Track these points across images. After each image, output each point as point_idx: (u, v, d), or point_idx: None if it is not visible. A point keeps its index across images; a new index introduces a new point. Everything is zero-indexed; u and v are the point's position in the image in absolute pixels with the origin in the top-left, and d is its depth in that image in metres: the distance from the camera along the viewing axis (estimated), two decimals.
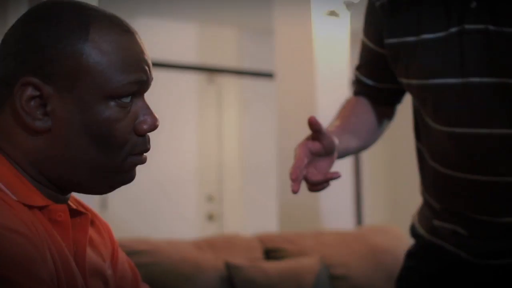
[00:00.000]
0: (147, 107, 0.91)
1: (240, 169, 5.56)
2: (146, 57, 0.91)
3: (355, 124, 1.44)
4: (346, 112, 1.47)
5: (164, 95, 5.10)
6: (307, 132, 1.26)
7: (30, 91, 0.83)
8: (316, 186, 1.23)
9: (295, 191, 1.16)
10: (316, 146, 1.22)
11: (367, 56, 1.48)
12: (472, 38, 1.24)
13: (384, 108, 1.52)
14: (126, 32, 0.89)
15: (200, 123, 5.52)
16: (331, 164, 1.25)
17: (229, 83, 5.67)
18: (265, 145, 5.30)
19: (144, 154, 0.92)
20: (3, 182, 0.83)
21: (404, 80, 1.37)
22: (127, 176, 0.91)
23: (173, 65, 5.35)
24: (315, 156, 1.22)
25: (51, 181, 0.87)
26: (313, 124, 1.19)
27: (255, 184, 5.46)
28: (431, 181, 1.43)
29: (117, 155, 0.88)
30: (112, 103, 0.86)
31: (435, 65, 1.29)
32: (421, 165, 1.48)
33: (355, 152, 1.48)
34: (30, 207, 0.83)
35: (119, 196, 4.84)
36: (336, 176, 1.21)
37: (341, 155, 1.33)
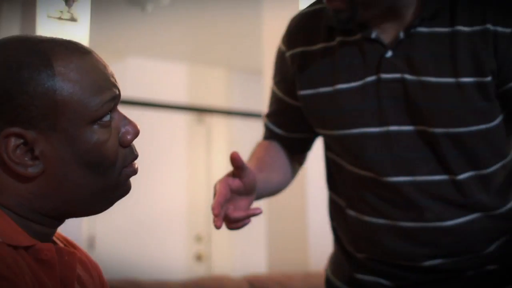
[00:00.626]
0: (125, 117, 0.92)
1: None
2: (110, 72, 0.91)
3: (270, 165, 1.40)
4: (259, 154, 1.43)
5: (153, 134, 5.11)
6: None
7: (13, 141, 0.83)
8: (236, 223, 1.19)
9: (218, 227, 1.12)
10: (236, 183, 1.18)
11: (277, 105, 1.45)
12: (389, 87, 1.23)
13: (294, 155, 1.49)
14: (86, 54, 0.89)
15: (189, 163, 5.51)
16: (250, 203, 1.22)
17: (218, 123, 5.69)
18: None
19: (135, 163, 0.93)
20: None
21: (322, 131, 1.35)
22: (124, 189, 0.92)
23: (162, 104, 5.37)
24: (234, 193, 1.19)
25: (46, 215, 0.87)
26: (235, 160, 1.16)
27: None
28: (349, 230, 1.39)
29: (111, 173, 0.89)
30: (96, 127, 0.86)
31: (354, 115, 1.27)
32: (336, 216, 1.45)
33: (270, 195, 1.42)
34: (15, 247, 0.82)
35: (107, 236, 4.81)
36: (258, 212, 1.18)
37: (258, 197, 1.29)
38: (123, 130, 0.91)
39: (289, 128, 1.45)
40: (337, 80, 1.28)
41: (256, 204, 1.28)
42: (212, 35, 4.90)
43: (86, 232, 4.49)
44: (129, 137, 0.91)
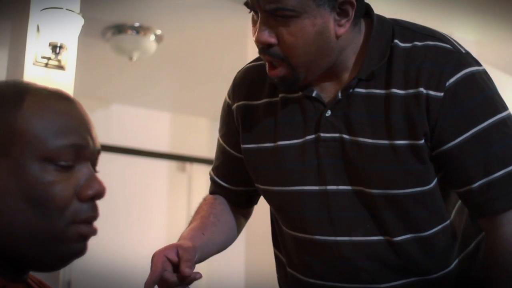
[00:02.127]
0: (92, 174, 0.87)
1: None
2: (86, 124, 0.88)
3: (214, 225, 1.37)
4: (204, 213, 1.41)
5: (135, 181, 5.11)
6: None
7: None
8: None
9: None
10: (174, 257, 1.15)
11: (223, 158, 1.45)
12: (327, 146, 1.23)
13: (240, 209, 1.48)
14: (64, 100, 0.88)
15: (170, 210, 5.50)
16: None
17: (200, 172, 5.70)
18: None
19: (94, 224, 0.87)
20: None
21: (261, 186, 1.35)
22: (74, 247, 0.85)
23: (145, 151, 5.39)
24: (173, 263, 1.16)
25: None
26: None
27: (223, 269, 5.41)
28: (289, 287, 1.38)
29: (56, 220, 0.83)
30: (50, 166, 0.83)
31: (294, 172, 1.27)
32: (279, 270, 1.44)
33: (212, 255, 1.39)
34: None
35: (83, 281, 4.76)
36: (198, 277, 1.14)
37: (200, 260, 1.27)
38: (84, 183, 0.85)
39: (235, 181, 1.44)
40: (279, 136, 1.28)
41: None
42: (196, 86, 4.96)
43: (62, 276, 4.45)
44: (89, 192, 0.85)
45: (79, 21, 3.08)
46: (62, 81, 3.10)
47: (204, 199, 1.47)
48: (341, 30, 1.17)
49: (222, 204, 1.44)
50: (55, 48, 3.04)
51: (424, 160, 1.19)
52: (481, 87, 1.19)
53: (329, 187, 1.24)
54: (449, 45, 1.21)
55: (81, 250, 0.87)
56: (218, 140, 1.46)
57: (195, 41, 4.19)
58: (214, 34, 3.98)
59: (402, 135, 1.18)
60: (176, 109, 5.63)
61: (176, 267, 1.15)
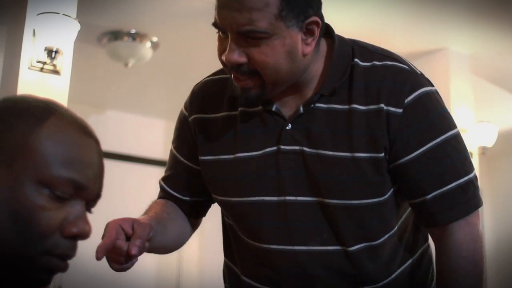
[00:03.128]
0: (83, 213, 0.85)
1: (198, 268, 5.51)
2: (96, 167, 0.87)
3: (167, 220, 1.37)
4: (157, 209, 1.40)
5: (129, 188, 5.11)
6: None
7: None
8: (125, 261, 1.15)
9: (99, 258, 1.09)
10: (129, 229, 1.16)
11: (176, 169, 1.45)
12: (288, 158, 1.26)
13: (189, 219, 1.47)
14: (84, 134, 0.86)
15: None
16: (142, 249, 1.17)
17: None
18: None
19: (66, 261, 0.84)
20: None
21: (220, 198, 1.35)
22: (39, 277, 0.83)
23: (139, 158, 5.39)
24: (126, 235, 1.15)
25: None
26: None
27: (213, 272, 5.40)
28: None
29: (33, 246, 0.81)
30: (44, 190, 0.81)
31: (253, 183, 1.29)
32: (230, 280, 1.45)
33: (165, 248, 1.40)
34: None
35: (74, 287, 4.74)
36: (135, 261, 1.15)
37: (151, 250, 1.27)
38: (72, 219, 0.83)
39: (187, 192, 1.44)
40: (238, 148, 1.30)
41: None
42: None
43: (52, 282, 4.43)
44: (74, 229, 0.83)
45: (76, 27, 3.09)
46: (57, 86, 3.10)
47: (154, 201, 1.46)
48: (308, 49, 1.21)
49: (173, 207, 1.44)
50: (51, 53, 3.04)
51: (383, 172, 1.25)
52: (436, 106, 1.27)
53: (287, 198, 1.27)
54: (406, 65, 1.28)
55: (45, 282, 0.84)
56: (171, 150, 1.47)
57: (191, 48, 4.20)
58: (210, 42, 3.98)
59: (363, 148, 1.23)
60: (170, 116, 5.61)
61: (129, 239, 1.15)
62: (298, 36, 1.19)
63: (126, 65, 4.18)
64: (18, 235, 0.80)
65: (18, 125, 0.82)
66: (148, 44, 4.09)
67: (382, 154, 1.23)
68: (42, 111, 0.84)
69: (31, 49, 3.07)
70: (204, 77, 1.46)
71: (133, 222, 1.18)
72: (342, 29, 1.38)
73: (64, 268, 0.85)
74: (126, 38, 4.02)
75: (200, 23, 3.83)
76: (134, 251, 1.12)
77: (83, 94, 4.71)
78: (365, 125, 1.23)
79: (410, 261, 1.37)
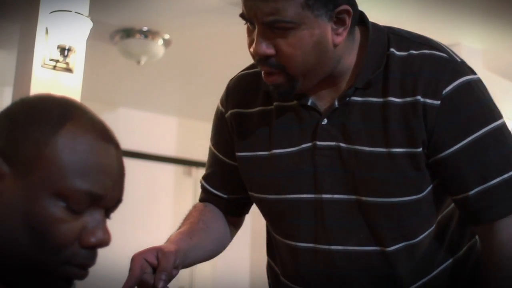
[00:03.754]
0: (102, 222, 0.84)
1: (211, 261, 5.52)
2: (115, 172, 0.85)
3: (203, 231, 1.36)
4: (193, 219, 1.39)
5: (141, 185, 5.12)
6: None
7: None
8: None
9: None
10: (153, 260, 1.14)
11: (216, 167, 1.43)
12: (324, 154, 1.23)
13: (231, 218, 1.46)
14: (103, 141, 0.84)
15: (176, 214, 5.51)
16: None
17: None
18: (239, 236, 5.29)
19: (86, 269, 0.84)
20: None
21: (256, 195, 1.33)
22: (59, 285, 0.83)
23: (151, 155, 5.41)
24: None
25: None
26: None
27: (227, 274, 5.42)
28: None
29: (52, 257, 0.80)
30: (60, 203, 0.80)
31: (290, 180, 1.26)
32: (274, 282, 1.43)
33: (203, 260, 1.38)
34: None
35: (90, 284, 4.77)
36: None
37: (187, 265, 1.27)
38: (90, 229, 0.82)
39: (227, 190, 1.42)
40: (274, 145, 1.28)
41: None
42: (203, 90, 4.97)
43: None
44: (92, 239, 0.82)
45: (88, 24, 3.10)
46: (70, 84, 3.11)
47: (194, 206, 1.46)
48: (339, 39, 1.17)
49: (212, 212, 1.42)
50: (64, 51, 3.05)
51: (421, 167, 1.20)
52: (477, 95, 1.20)
53: (324, 196, 1.24)
54: (445, 54, 1.22)
55: None
56: (210, 148, 1.45)
57: (203, 46, 4.20)
58: (222, 39, 3.99)
59: (400, 143, 1.19)
60: (183, 113, 5.64)
61: (155, 270, 1.14)
62: (328, 26, 1.15)
63: (138, 62, 4.19)
64: (37, 247, 0.79)
65: (33, 134, 0.81)
66: (160, 42, 4.10)
67: (420, 149, 1.18)
68: (58, 117, 0.82)
69: (44, 47, 3.08)
70: (239, 71, 1.43)
71: (157, 252, 1.16)
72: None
73: (84, 276, 0.84)
74: (138, 36, 4.02)
75: (212, 21, 3.83)
76: (160, 285, 1.11)
77: (96, 92, 4.73)
78: (402, 119, 1.19)
79: (453, 257, 1.32)
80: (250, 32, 1.19)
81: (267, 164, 1.29)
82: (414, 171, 1.20)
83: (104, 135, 0.85)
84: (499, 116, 1.21)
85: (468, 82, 1.20)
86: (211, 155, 1.45)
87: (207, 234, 1.37)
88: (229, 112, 1.37)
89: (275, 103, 1.29)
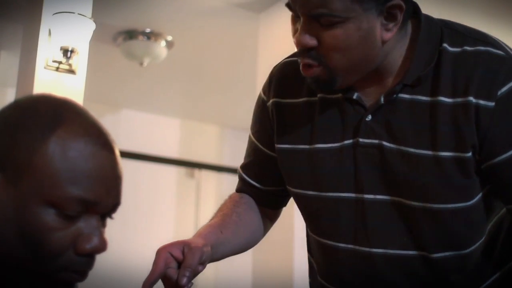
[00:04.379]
0: (97, 228, 0.81)
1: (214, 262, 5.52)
2: (109, 177, 0.82)
3: (236, 223, 1.31)
4: (227, 210, 1.34)
5: (144, 187, 5.12)
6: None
7: None
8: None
9: None
10: (179, 255, 1.11)
11: (255, 156, 1.38)
12: (366, 152, 1.17)
13: (268, 210, 1.41)
14: (96, 145, 0.81)
15: (178, 216, 5.51)
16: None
17: (208, 178, 5.72)
18: None
19: (84, 274, 0.83)
20: None
21: (294, 190, 1.28)
22: None
23: (154, 157, 5.41)
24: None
25: None
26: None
27: (229, 275, 5.41)
28: None
29: (47, 265, 0.79)
30: (52, 211, 0.78)
31: (330, 177, 1.21)
32: (314, 279, 1.38)
33: (233, 254, 1.33)
34: None
35: (90, 285, 4.77)
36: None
37: (217, 258, 1.24)
38: (85, 236, 0.80)
39: (265, 181, 1.37)
40: (316, 139, 1.22)
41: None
42: (206, 92, 4.98)
43: None
44: (87, 246, 0.80)
45: (91, 26, 3.10)
46: (73, 85, 3.11)
47: (230, 197, 1.40)
48: (388, 35, 1.10)
49: (247, 204, 1.37)
50: (66, 52, 3.05)
51: (470, 174, 1.13)
52: None
53: (366, 196, 1.18)
54: (502, 51, 1.13)
55: None
56: (250, 137, 1.39)
57: (206, 47, 4.20)
58: (225, 41, 3.99)
59: (448, 146, 1.11)
60: (185, 115, 5.64)
61: (180, 264, 1.11)
62: (377, 21, 1.08)
63: (141, 64, 4.19)
64: (31, 254, 0.78)
65: (23, 141, 0.79)
66: (163, 43, 4.10)
67: (470, 154, 1.11)
68: (49, 121, 0.80)
69: (47, 49, 3.08)
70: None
71: (184, 246, 1.12)
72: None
73: (82, 280, 0.83)
74: (141, 37, 4.02)
75: (215, 22, 3.83)
76: (183, 282, 1.07)
77: (99, 93, 4.73)
78: (451, 121, 1.11)
79: (502, 270, 1.24)
80: (294, 21, 1.13)
81: (307, 158, 1.23)
82: (462, 178, 1.13)
83: (98, 139, 0.82)
84: None
85: None
86: (251, 143, 1.40)
87: (240, 228, 1.32)
88: (271, 101, 1.31)
89: (319, 95, 1.23)
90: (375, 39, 1.09)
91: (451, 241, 1.18)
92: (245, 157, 1.42)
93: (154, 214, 5.20)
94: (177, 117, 5.60)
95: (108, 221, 0.87)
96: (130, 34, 4.01)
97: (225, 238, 1.25)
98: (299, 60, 1.15)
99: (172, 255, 1.10)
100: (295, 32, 1.13)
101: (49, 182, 0.78)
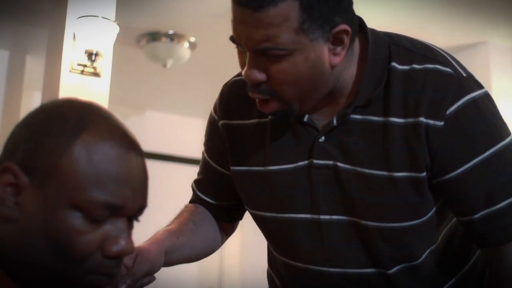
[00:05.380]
0: (124, 230, 0.82)
1: (239, 260, 5.53)
2: (135, 180, 0.83)
3: (192, 231, 1.31)
4: (183, 218, 1.33)
5: (168, 187, 5.15)
6: None
7: (8, 177, 0.79)
8: None
9: None
10: (130, 263, 1.10)
11: (207, 173, 1.37)
12: (320, 173, 1.16)
13: (223, 223, 1.40)
14: (121, 147, 0.81)
15: None
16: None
17: None
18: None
19: (112, 277, 0.83)
20: None
21: (252, 210, 1.28)
22: None
23: (178, 158, 5.43)
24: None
25: (12, 278, 0.80)
26: None
27: (255, 273, 5.41)
28: None
29: (75, 268, 0.80)
30: (79, 214, 0.78)
31: (286, 198, 1.20)
32: None
33: (188, 261, 1.33)
34: None
35: None
36: (152, 280, 1.12)
37: (173, 263, 1.24)
38: (112, 238, 0.81)
39: (218, 197, 1.36)
40: (269, 160, 1.21)
41: None
42: None
43: None
44: (114, 248, 0.80)
45: (115, 29, 3.13)
46: (98, 88, 3.14)
47: (185, 206, 1.40)
48: (337, 59, 1.08)
49: (203, 214, 1.37)
50: (91, 56, 3.09)
51: (424, 192, 1.13)
52: (483, 114, 1.12)
53: (322, 217, 1.18)
54: (450, 68, 1.13)
55: None
56: (203, 154, 1.39)
57: (228, 48, 4.18)
58: None
59: (402, 167, 1.12)
60: (207, 115, 5.65)
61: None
62: (324, 48, 1.05)
63: (164, 65, 4.22)
64: (58, 259, 0.79)
65: (49, 146, 0.79)
66: (186, 45, 4.12)
67: (424, 174, 1.11)
68: (74, 126, 0.80)
69: (72, 52, 3.12)
70: (232, 78, 1.35)
71: (137, 254, 1.11)
72: (378, 23, 1.25)
73: (111, 283, 0.83)
74: (164, 39, 4.05)
75: None
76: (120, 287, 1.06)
77: (123, 96, 4.77)
78: (404, 141, 1.11)
79: (462, 271, 1.26)
80: (241, 55, 1.12)
81: (262, 180, 1.22)
82: (416, 196, 1.13)
83: (122, 142, 0.82)
84: (506, 134, 1.13)
85: (474, 100, 1.11)
86: (203, 161, 1.39)
87: (196, 236, 1.32)
88: (221, 122, 1.30)
89: (270, 116, 1.22)
90: (324, 66, 1.07)
91: (404, 255, 1.19)
92: (198, 173, 1.41)
93: (168, 224, 5.22)
94: (201, 117, 5.61)
95: (136, 224, 0.87)
96: (153, 36, 4.03)
97: (181, 245, 1.25)
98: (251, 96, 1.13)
99: (123, 263, 1.08)
100: (242, 65, 1.11)
101: (75, 187, 0.78)
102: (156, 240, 1.21)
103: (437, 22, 3.93)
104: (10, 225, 0.79)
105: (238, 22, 1.08)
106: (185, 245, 1.27)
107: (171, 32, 4.03)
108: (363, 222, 1.16)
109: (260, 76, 1.07)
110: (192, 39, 4.10)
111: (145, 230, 1.22)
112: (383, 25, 1.28)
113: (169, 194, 5.19)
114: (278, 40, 1.03)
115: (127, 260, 1.09)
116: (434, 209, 1.17)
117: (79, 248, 0.79)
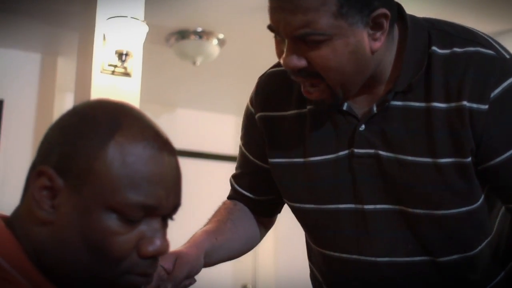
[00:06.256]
0: (159, 230, 0.83)
1: (273, 256, 5.53)
2: (169, 179, 0.83)
3: (230, 230, 1.30)
4: (221, 217, 1.33)
5: (200, 184, 5.18)
6: None
7: (44, 181, 0.80)
8: None
9: None
10: (170, 267, 1.11)
11: (246, 167, 1.36)
12: (362, 162, 1.14)
13: (262, 218, 1.40)
14: (153, 147, 0.82)
15: None
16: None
17: None
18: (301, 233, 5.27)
19: (149, 276, 0.84)
20: (21, 273, 0.80)
21: (292, 203, 1.26)
22: None
23: (210, 154, 5.45)
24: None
25: (48, 277, 0.81)
26: None
27: (289, 271, 5.42)
28: None
29: (112, 269, 0.81)
30: (114, 215, 0.79)
31: (327, 190, 1.19)
32: (315, 285, 1.38)
33: (228, 260, 1.33)
34: None
35: None
36: (194, 282, 1.13)
37: (212, 263, 1.24)
38: (147, 238, 0.82)
39: (257, 191, 1.35)
40: (309, 151, 1.19)
41: None
42: None
43: None
44: (150, 248, 0.81)
45: (144, 29, 3.14)
46: (129, 88, 3.17)
47: (223, 203, 1.40)
48: (377, 45, 1.07)
49: (241, 211, 1.36)
50: (121, 56, 3.11)
51: (471, 178, 1.11)
52: None
53: (366, 206, 1.16)
54: (492, 50, 1.10)
55: None
56: (240, 147, 1.37)
57: (257, 44, 4.20)
58: None
59: (447, 152, 1.09)
60: (240, 111, 5.57)
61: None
62: (364, 33, 1.04)
63: (194, 63, 4.23)
64: (95, 260, 0.80)
65: (83, 148, 0.80)
66: (214, 42, 4.12)
67: (469, 159, 1.09)
68: (107, 128, 0.81)
69: (102, 53, 3.15)
70: (268, 70, 1.34)
71: (176, 257, 1.12)
72: (408, 11, 1.27)
73: (147, 283, 0.84)
74: (193, 37, 4.06)
75: (265, 18, 3.83)
76: None
77: (154, 94, 4.80)
78: (447, 126, 1.09)
79: (508, 267, 1.24)
80: (279, 43, 1.10)
81: (303, 172, 1.21)
82: (463, 183, 1.11)
83: (155, 142, 0.83)
84: None
85: None
86: (241, 154, 1.38)
87: (234, 234, 1.31)
88: (259, 114, 1.29)
89: (308, 106, 1.20)
90: (365, 51, 1.06)
91: (458, 244, 1.16)
92: (236, 167, 1.40)
93: (212, 212, 5.23)
94: (232, 113, 5.62)
95: (170, 222, 0.88)
96: (182, 34, 4.05)
97: (220, 245, 1.26)
98: (295, 79, 1.11)
99: (163, 268, 1.10)
100: (280, 54, 1.10)
101: (109, 189, 0.79)
102: (194, 243, 1.21)
103: (468, 8, 3.88)
104: (46, 227, 0.81)
105: (275, 9, 1.06)
106: (224, 246, 1.27)
107: (199, 29, 4.04)
108: (410, 210, 1.14)
109: (299, 62, 1.06)
110: (221, 36, 4.11)
111: (180, 229, 1.22)
112: (412, 12, 1.25)
113: (202, 191, 5.21)
114: (317, 25, 1.01)
115: (167, 265, 1.10)
116: (482, 196, 1.14)
117: (116, 250, 0.80)
